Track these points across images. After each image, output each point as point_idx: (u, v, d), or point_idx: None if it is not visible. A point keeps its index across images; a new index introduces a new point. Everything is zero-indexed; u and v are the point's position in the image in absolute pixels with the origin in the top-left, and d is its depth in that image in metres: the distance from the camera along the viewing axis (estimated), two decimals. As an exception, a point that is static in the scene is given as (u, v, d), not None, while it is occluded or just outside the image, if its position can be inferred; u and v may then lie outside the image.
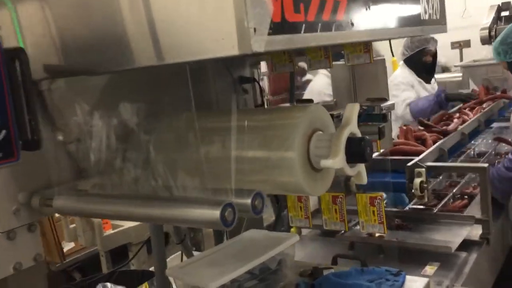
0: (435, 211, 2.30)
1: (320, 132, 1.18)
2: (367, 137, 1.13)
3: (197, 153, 1.13)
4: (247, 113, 1.30)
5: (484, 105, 3.50)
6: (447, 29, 1.54)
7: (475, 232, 2.11)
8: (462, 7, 6.76)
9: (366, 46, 1.60)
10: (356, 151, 1.10)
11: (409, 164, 2.11)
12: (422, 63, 3.77)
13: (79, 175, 1.23)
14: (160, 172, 1.06)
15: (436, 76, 5.58)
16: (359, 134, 1.16)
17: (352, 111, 1.13)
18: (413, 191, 2.09)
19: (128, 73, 1.28)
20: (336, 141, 1.09)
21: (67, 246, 4.09)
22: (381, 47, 3.41)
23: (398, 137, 2.79)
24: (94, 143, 1.18)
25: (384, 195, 2.52)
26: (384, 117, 1.53)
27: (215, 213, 0.88)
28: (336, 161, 1.07)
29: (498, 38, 2.74)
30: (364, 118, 1.55)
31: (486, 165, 2.14)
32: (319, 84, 3.50)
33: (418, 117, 3.58)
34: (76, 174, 1.23)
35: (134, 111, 1.22)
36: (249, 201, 0.95)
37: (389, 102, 1.60)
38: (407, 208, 2.43)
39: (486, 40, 4.25)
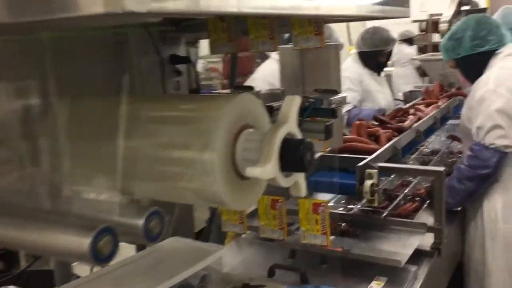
0: (385, 214, 2.12)
1: (251, 129, 0.93)
2: (307, 139, 0.89)
3: (85, 149, 0.85)
4: (161, 100, 1.04)
5: (439, 102, 3.38)
6: (410, 12, 1.32)
7: (427, 240, 1.94)
8: (419, 1, 6.67)
9: (317, 28, 1.35)
10: (292, 157, 0.86)
11: (360, 164, 1.91)
12: (376, 61, 3.60)
13: None
14: (29, 174, 0.79)
15: (388, 68, 5.44)
16: (298, 135, 0.92)
17: (291, 105, 0.89)
18: (363, 194, 1.89)
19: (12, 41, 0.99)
20: (268, 143, 0.85)
21: (-11, 233, 3.73)
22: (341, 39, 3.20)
23: (350, 132, 2.59)
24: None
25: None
26: (333, 113, 1.30)
27: (84, 242, 0.62)
28: (266, 170, 0.83)
29: (446, 35, 2.59)
30: (310, 112, 1.31)
31: (442, 168, 1.97)
32: (266, 70, 3.18)
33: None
34: None
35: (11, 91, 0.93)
36: (140, 222, 0.70)
37: (340, 95, 1.37)
38: (355, 209, 2.24)
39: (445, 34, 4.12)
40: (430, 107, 3.20)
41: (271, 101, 1.58)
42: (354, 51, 3.67)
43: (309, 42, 1.40)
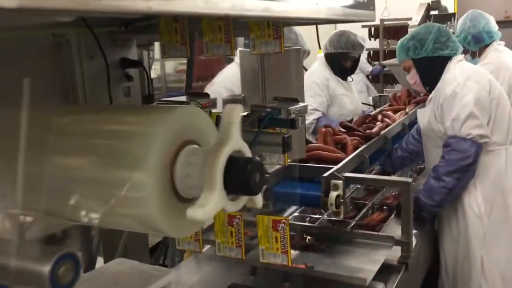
0: (351, 226, 2.03)
1: (195, 146, 0.82)
2: (256, 158, 0.78)
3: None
4: (93, 112, 0.91)
5: (407, 109, 3.33)
6: (375, 16, 1.23)
7: (394, 254, 1.86)
8: (383, 6, 6.61)
9: (276, 31, 1.25)
10: (239, 178, 0.75)
11: (325, 174, 1.81)
12: (341, 64, 3.48)
13: None
14: None
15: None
16: (247, 152, 0.81)
17: (232, 119, 0.78)
18: (328, 206, 1.79)
19: None
20: (210, 168, 0.73)
21: None
22: (308, 41, 3.07)
23: (316, 139, 2.50)
24: None
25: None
26: (292, 123, 1.20)
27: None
28: (209, 210, 0.72)
29: (407, 35, 2.63)
30: (267, 123, 1.21)
31: (410, 179, 1.89)
32: (226, 75, 3.01)
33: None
34: None
35: None
36: (46, 269, 0.57)
37: (300, 104, 1.26)
38: (322, 219, 2.15)
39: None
40: (398, 114, 3.14)
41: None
42: (321, 54, 3.56)
43: (268, 46, 1.30)
